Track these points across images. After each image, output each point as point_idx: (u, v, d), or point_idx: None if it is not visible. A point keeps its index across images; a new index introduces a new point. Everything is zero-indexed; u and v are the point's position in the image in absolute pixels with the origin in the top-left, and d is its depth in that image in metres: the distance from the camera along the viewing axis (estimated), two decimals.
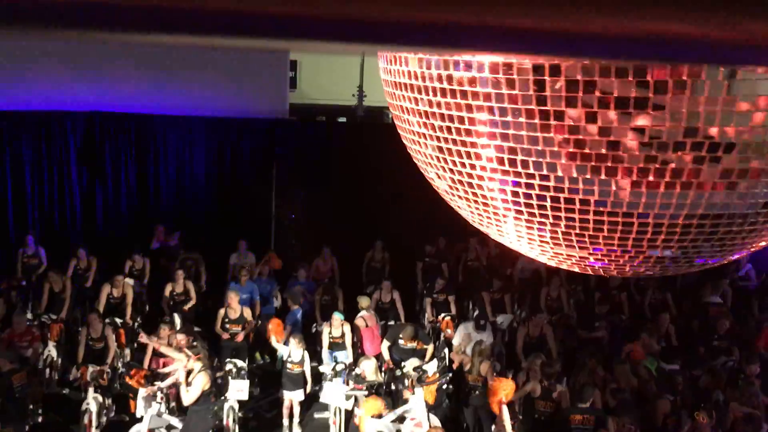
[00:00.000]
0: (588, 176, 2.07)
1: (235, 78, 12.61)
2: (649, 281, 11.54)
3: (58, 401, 9.42)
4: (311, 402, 9.42)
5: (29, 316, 9.94)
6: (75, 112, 12.08)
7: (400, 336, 9.43)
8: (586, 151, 2.01)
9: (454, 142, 2.28)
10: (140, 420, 7.94)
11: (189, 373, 7.64)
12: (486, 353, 8.50)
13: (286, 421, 9.14)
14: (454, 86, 2.16)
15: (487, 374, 8.31)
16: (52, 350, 9.66)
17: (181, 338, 8.56)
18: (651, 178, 2.01)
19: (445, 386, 8.86)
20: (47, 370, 9.57)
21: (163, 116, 12.24)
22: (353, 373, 8.69)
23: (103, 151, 12.39)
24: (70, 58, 11.91)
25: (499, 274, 11.61)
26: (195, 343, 8.10)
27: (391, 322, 10.47)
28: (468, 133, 2.22)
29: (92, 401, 8.39)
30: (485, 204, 2.43)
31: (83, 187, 12.52)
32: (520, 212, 2.32)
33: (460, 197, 2.55)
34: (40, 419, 8.86)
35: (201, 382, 7.53)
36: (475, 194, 2.42)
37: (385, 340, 9.55)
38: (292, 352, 9.03)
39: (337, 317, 9.69)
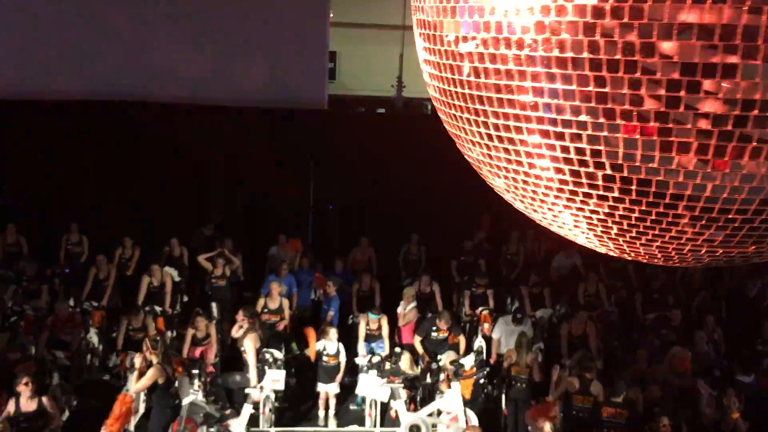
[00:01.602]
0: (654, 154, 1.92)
1: (274, 69, 12.63)
2: (696, 280, 11.29)
3: (97, 387, 9.59)
4: (347, 394, 9.43)
5: (71, 303, 10.14)
6: (117, 101, 12.23)
7: (435, 327, 9.37)
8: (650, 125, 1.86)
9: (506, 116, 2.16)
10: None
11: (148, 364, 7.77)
12: (531, 345, 8.45)
13: (321, 413, 9.16)
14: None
15: (533, 365, 8.25)
16: (93, 337, 9.84)
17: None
18: (727, 157, 1.85)
19: (482, 381, 8.79)
20: (88, 356, 9.74)
21: (201, 106, 12.31)
22: (389, 365, 8.64)
23: (143, 139, 12.51)
24: (113, 44, 12.10)
25: (538, 269, 11.46)
26: (158, 338, 8.24)
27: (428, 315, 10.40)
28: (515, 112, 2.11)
29: (132, 389, 8.49)
30: (536, 185, 2.30)
31: (126, 176, 12.68)
32: (574, 194, 2.19)
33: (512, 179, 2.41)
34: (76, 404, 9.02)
35: (152, 374, 7.70)
36: (527, 174, 2.28)
37: (416, 335, 9.50)
38: (327, 344, 9.05)
39: (373, 318, 9.63)
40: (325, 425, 9.05)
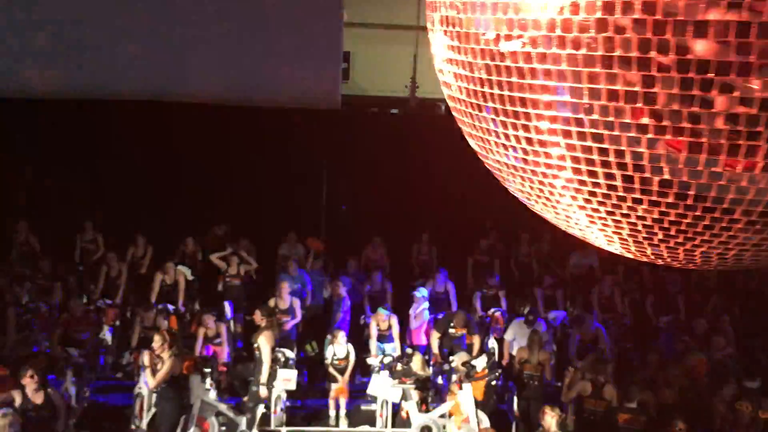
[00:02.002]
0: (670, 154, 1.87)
1: (287, 68, 12.63)
2: (710, 282, 11.21)
3: (111, 385, 9.64)
4: (358, 394, 9.42)
5: (85, 300, 10.20)
6: (132, 101, 12.30)
7: (452, 324, 9.37)
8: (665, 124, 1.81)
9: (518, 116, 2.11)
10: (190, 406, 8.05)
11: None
12: (543, 343, 8.43)
13: (332, 413, 9.16)
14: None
15: (545, 364, 8.24)
16: (106, 335, 9.89)
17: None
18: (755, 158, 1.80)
19: (494, 382, 8.76)
20: (101, 354, 9.80)
21: (214, 106, 12.35)
22: (400, 365, 8.63)
23: (157, 138, 12.57)
24: (130, 44, 12.17)
25: (551, 271, 11.42)
26: (169, 334, 8.26)
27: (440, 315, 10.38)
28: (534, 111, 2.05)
29: (144, 386, 8.53)
30: (552, 186, 2.24)
31: (141, 175, 12.75)
32: (593, 195, 2.13)
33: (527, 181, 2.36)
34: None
35: (168, 367, 7.73)
36: (545, 175, 2.22)
37: (434, 332, 9.49)
38: (336, 348, 9.06)
39: (382, 313, 9.65)
40: (336, 425, 9.05)
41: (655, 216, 2.08)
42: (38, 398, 7.24)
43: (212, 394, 8.36)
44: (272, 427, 8.66)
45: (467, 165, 13.52)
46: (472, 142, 2.55)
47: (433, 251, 12.27)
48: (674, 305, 10.53)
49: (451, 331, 9.46)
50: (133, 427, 8.44)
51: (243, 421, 8.07)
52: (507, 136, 2.21)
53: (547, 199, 2.36)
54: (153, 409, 8.46)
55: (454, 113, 2.54)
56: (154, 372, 7.79)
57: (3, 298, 9.84)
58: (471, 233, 12.62)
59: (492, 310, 10.55)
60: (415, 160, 12.81)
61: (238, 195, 12.60)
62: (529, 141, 2.15)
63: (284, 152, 12.70)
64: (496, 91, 2.12)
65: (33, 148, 12.44)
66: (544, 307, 10.61)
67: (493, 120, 2.22)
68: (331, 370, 9.08)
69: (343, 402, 9.10)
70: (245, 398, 8.78)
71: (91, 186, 12.58)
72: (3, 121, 12.15)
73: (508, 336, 9.62)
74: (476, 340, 9.51)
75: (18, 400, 7.20)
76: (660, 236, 2.17)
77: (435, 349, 9.41)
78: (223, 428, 8.30)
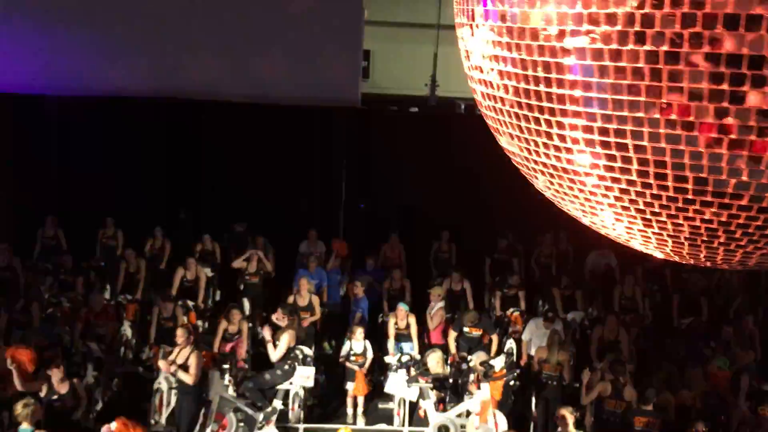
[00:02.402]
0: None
1: (308, 66, 12.67)
2: (734, 283, 11.07)
3: (131, 379, 9.72)
4: (376, 392, 9.42)
5: (107, 296, 10.29)
6: (158, 99, 12.41)
7: (466, 324, 9.35)
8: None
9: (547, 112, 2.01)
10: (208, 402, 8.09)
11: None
12: (562, 343, 8.36)
13: (350, 410, 9.17)
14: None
15: (564, 364, 8.17)
16: (127, 329, 9.97)
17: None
18: None
19: (512, 382, 8.72)
20: (122, 349, 9.88)
21: (234, 104, 12.42)
22: (418, 364, 8.62)
23: (177, 136, 12.66)
24: (159, 43, 12.30)
25: (570, 271, 11.33)
26: (190, 328, 8.35)
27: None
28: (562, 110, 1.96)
29: (164, 381, 8.60)
30: (582, 183, 2.15)
31: (163, 171, 12.84)
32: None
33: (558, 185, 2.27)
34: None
35: (197, 361, 7.80)
36: (601, 177, 2.09)
37: (451, 331, 9.46)
38: (353, 344, 9.06)
39: (402, 308, 9.65)
40: (354, 423, 9.05)
41: (706, 217, 2.01)
42: (63, 388, 7.34)
43: (230, 390, 8.41)
44: (290, 424, 8.68)
45: (487, 163, 13.44)
46: (507, 142, 2.40)
47: (453, 250, 12.23)
48: (697, 307, 10.41)
49: (466, 330, 9.44)
50: (152, 421, 8.50)
51: (260, 417, 8.09)
52: (562, 137, 2.08)
53: (593, 201, 2.25)
54: (172, 404, 8.53)
55: (488, 113, 2.38)
56: (182, 367, 7.81)
57: (27, 293, 9.97)
58: (490, 232, 12.57)
59: (511, 309, 10.50)
60: (434, 158, 12.78)
61: (257, 192, 12.64)
62: (605, 145, 2.00)
63: (304, 150, 12.74)
64: (555, 90, 1.98)
65: (60, 144, 12.60)
66: (562, 307, 10.53)
67: (547, 121, 2.08)
68: (348, 365, 9.07)
69: (360, 400, 9.11)
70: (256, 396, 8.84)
71: (114, 182, 12.69)
72: (34, 117, 12.33)
73: (525, 336, 9.56)
74: (494, 340, 9.47)
75: (44, 390, 7.31)
76: (704, 237, 2.10)
77: (452, 348, 9.38)
78: (241, 424, 8.34)
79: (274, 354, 8.42)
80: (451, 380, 8.81)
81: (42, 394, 7.31)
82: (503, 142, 2.45)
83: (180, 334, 7.79)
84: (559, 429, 7.13)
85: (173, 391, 8.60)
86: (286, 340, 8.51)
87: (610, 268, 11.33)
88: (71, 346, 9.10)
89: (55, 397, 7.30)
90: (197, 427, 7.93)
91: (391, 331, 9.67)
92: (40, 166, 12.64)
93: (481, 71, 2.26)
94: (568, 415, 6.92)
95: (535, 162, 2.30)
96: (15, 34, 12.29)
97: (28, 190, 12.56)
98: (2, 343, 8.20)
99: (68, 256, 11.03)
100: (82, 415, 7.86)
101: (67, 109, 12.44)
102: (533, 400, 8.78)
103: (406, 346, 9.61)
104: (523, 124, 2.19)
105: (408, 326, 9.60)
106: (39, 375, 7.54)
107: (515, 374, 8.59)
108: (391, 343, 9.65)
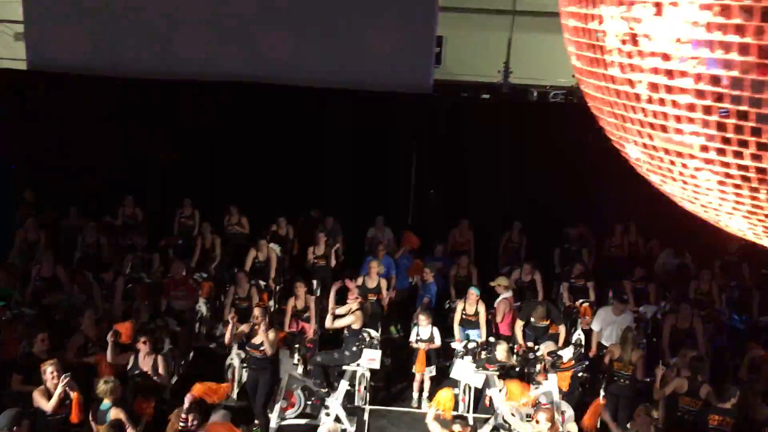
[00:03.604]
0: None
1: (381, 52, 12.74)
2: None
3: (204, 354, 10.05)
4: (442, 377, 9.47)
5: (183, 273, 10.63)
6: (221, 82, 12.70)
7: (532, 315, 9.27)
8: None
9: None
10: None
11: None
12: (636, 341, 8.16)
13: (415, 395, 9.24)
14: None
15: (637, 363, 7.99)
16: (202, 306, 10.29)
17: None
18: None
19: (580, 374, 8.61)
20: (197, 325, 10.22)
21: (306, 88, 12.59)
22: (485, 352, 8.61)
23: (251, 121, 12.94)
24: (218, 26, 12.59)
25: (642, 263, 11.06)
26: (265, 307, 8.52)
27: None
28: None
29: (236, 357, 8.87)
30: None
31: (235, 154, 13.15)
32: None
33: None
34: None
35: (275, 338, 7.99)
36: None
37: (518, 320, 9.41)
38: (420, 330, 9.11)
39: (473, 293, 9.65)
40: (419, 407, 9.12)
41: None
42: (147, 363, 7.64)
43: (299, 369, 8.61)
44: (355, 405, 8.82)
45: (559, 152, 13.23)
46: (663, 139, 2.11)
47: (523, 241, 12.12)
48: None
49: (533, 320, 9.37)
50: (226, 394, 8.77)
51: (328, 397, 8.25)
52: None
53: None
54: (243, 380, 8.79)
55: (650, 107, 2.05)
56: (260, 344, 8.01)
57: (110, 269, 10.42)
58: (559, 224, 12.40)
59: (580, 300, 10.35)
60: (505, 146, 12.67)
61: (329, 176, 12.81)
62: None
63: (375, 135, 12.82)
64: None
65: (137, 127, 13.08)
66: (633, 300, 10.31)
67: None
68: (421, 352, 9.12)
69: (426, 385, 9.17)
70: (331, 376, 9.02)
71: (190, 163, 13.09)
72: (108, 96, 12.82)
73: (596, 325, 9.40)
74: (561, 331, 9.36)
75: (130, 363, 7.66)
76: None
77: (519, 338, 9.33)
78: (309, 402, 8.53)
79: (331, 321, 8.54)
80: (517, 369, 8.77)
81: (128, 367, 7.66)
82: (658, 140, 2.12)
83: (257, 314, 7.98)
84: (630, 425, 7.00)
85: (245, 368, 8.87)
86: (350, 319, 8.61)
87: (684, 265, 11.01)
88: (149, 321, 9.48)
89: (137, 372, 7.62)
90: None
91: (458, 317, 9.68)
92: (122, 147, 13.16)
93: (668, 59, 1.92)
94: (646, 416, 6.73)
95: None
96: None
97: (110, 170, 13.10)
98: (93, 314, 8.56)
99: (146, 233, 11.46)
100: (161, 388, 8.21)
101: (147, 91, 12.90)
102: (602, 393, 8.63)
103: (472, 332, 9.62)
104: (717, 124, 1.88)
105: (476, 312, 9.60)
106: (128, 349, 7.86)
107: (584, 366, 8.48)
108: (457, 330, 9.67)
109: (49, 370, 6.72)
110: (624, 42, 2.01)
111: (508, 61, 13.78)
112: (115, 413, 6.53)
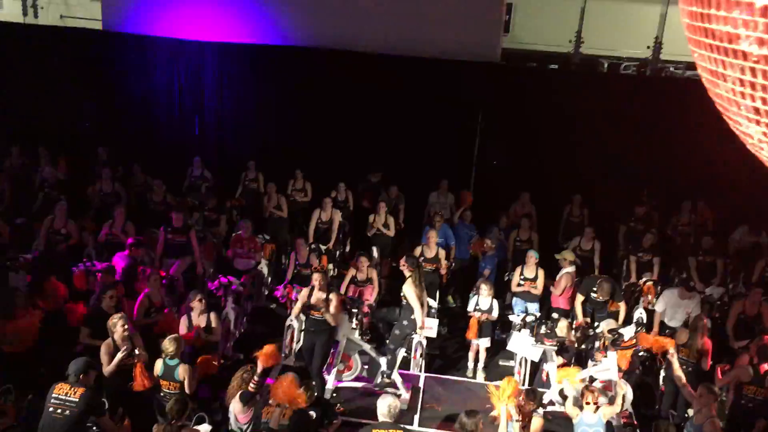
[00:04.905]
0: None
1: (449, 20, 12.54)
2: None
3: (265, 314, 10.29)
4: (498, 349, 9.46)
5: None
6: (289, 47, 12.75)
7: (594, 289, 9.10)
8: None
9: None
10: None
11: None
12: (705, 328, 7.91)
13: (470, 364, 9.26)
14: None
15: (704, 352, 7.77)
16: (264, 267, 10.50)
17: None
18: None
19: (640, 353, 8.46)
20: (258, 286, 10.44)
21: (373, 55, 12.53)
22: (544, 327, 8.53)
23: (317, 87, 12.98)
24: None
25: (709, 240, 10.68)
26: (325, 272, 8.56)
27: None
28: None
29: (295, 319, 9.03)
30: None
31: (301, 119, 13.26)
32: None
33: None
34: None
35: (338, 303, 8.06)
36: None
37: (579, 295, 9.26)
38: (480, 300, 9.07)
39: (533, 255, 9.56)
40: (473, 377, 9.15)
41: None
42: (202, 321, 7.88)
43: (357, 334, 8.71)
44: (411, 371, 8.90)
45: (628, 126, 12.82)
46: None
47: (585, 214, 11.89)
48: None
49: (594, 296, 9.20)
50: (282, 355, 8.97)
51: (384, 362, 8.34)
52: None
53: None
54: (301, 341, 8.96)
55: None
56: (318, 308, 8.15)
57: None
58: (625, 200, 12.12)
59: (644, 279, 10.13)
60: (571, 118, 12.38)
61: (393, 143, 12.80)
62: None
63: (440, 104, 12.70)
64: None
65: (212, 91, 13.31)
66: (698, 277, 10.02)
67: None
68: (473, 320, 9.11)
69: (482, 356, 9.17)
70: (387, 341, 9.11)
71: (260, 127, 13.25)
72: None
73: (659, 306, 9.19)
74: (622, 308, 9.17)
75: (186, 323, 7.91)
76: None
77: (579, 313, 9.19)
78: (365, 367, 8.65)
79: (415, 304, 8.55)
80: (576, 346, 8.66)
81: (185, 325, 7.90)
82: None
83: (318, 278, 8.09)
84: (690, 411, 6.84)
85: (303, 330, 9.03)
86: (412, 292, 8.59)
87: (758, 244, 10.61)
88: (213, 279, 9.73)
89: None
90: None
91: (516, 280, 9.59)
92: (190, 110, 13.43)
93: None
94: (710, 393, 6.55)
95: None
96: None
97: (180, 133, 13.40)
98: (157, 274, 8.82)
99: (214, 194, 11.70)
100: (221, 345, 8.46)
101: (220, 56, 13.09)
102: (662, 374, 8.48)
103: (531, 306, 9.55)
104: None
105: (536, 277, 9.49)
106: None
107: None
108: (516, 301, 9.61)
109: (119, 324, 6.96)
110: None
111: (581, 30, 13.39)
112: (183, 370, 6.75)
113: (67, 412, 5.81)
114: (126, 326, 6.95)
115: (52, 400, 5.85)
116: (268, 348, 6.85)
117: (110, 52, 13.25)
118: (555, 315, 9.04)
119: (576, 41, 13.40)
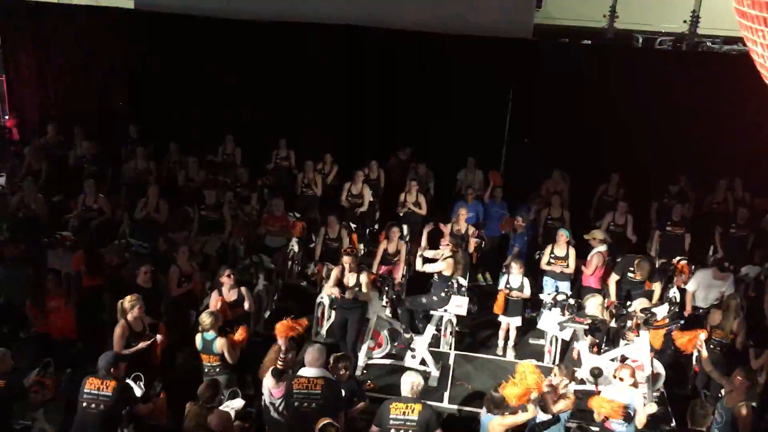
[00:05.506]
0: None
1: None
2: None
3: (295, 291, 10.37)
4: (528, 327, 9.43)
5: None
6: (315, 24, 12.68)
7: (631, 269, 9.00)
8: None
9: None
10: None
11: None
12: (739, 310, 7.79)
13: (500, 342, 9.25)
14: None
15: (738, 332, 7.66)
16: (294, 245, 10.56)
17: None
18: None
19: (674, 332, 8.36)
20: (289, 263, 10.52)
21: (404, 31, 12.42)
22: (574, 305, 8.47)
23: (347, 64, 12.93)
24: None
25: (743, 215, 10.48)
26: (354, 250, 8.58)
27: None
28: None
29: (326, 296, 9.09)
30: None
31: (331, 97, 13.24)
32: None
33: None
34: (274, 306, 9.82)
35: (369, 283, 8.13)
36: None
37: (614, 274, 9.15)
38: (511, 278, 9.03)
39: (563, 234, 9.48)
40: (503, 355, 9.14)
41: None
42: (232, 296, 7.97)
43: (387, 311, 8.75)
44: (441, 349, 8.93)
45: (663, 104, 12.59)
46: None
47: (620, 193, 11.68)
48: None
49: (630, 275, 9.09)
50: (313, 332, 9.06)
51: (414, 339, 8.38)
52: None
53: None
54: (332, 319, 9.03)
55: None
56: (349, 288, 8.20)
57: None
58: (659, 176, 11.93)
59: (677, 258, 9.98)
60: (605, 94, 12.17)
61: (424, 119, 12.73)
62: None
63: (472, 79, 12.58)
64: None
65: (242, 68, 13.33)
66: (734, 259, 9.85)
67: None
68: (501, 294, 9.06)
69: (512, 334, 9.15)
70: (417, 319, 9.15)
71: (309, 105, 13.24)
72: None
73: (691, 286, 9.07)
74: (656, 287, 9.06)
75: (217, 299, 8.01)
76: None
77: (613, 293, 9.10)
78: (395, 344, 8.70)
79: (421, 264, 8.63)
80: (608, 325, 8.59)
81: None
82: None
83: (348, 260, 8.12)
84: (723, 391, 6.74)
85: (334, 308, 9.09)
86: (442, 265, 8.57)
87: None
88: (245, 257, 9.84)
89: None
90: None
91: (546, 259, 9.53)
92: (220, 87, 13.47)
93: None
94: (746, 378, 6.42)
95: None
96: None
97: (215, 111, 13.47)
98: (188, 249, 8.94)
99: (244, 171, 11.78)
100: (253, 320, 8.56)
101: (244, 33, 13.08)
102: (695, 354, 8.37)
103: (562, 285, 9.48)
104: None
105: (567, 256, 9.41)
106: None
107: (678, 324, 8.19)
108: (546, 280, 9.55)
109: (137, 306, 7.04)
110: None
111: (615, 5, 13.12)
112: (220, 343, 6.85)
113: (102, 406, 5.87)
114: (142, 307, 7.06)
115: (85, 395, 5.89)
116: (280, 323, 6.95)
117: (142, 30, 13.34)
118: (587, 294, 8.95)
119: (610, 16, 13.14)
